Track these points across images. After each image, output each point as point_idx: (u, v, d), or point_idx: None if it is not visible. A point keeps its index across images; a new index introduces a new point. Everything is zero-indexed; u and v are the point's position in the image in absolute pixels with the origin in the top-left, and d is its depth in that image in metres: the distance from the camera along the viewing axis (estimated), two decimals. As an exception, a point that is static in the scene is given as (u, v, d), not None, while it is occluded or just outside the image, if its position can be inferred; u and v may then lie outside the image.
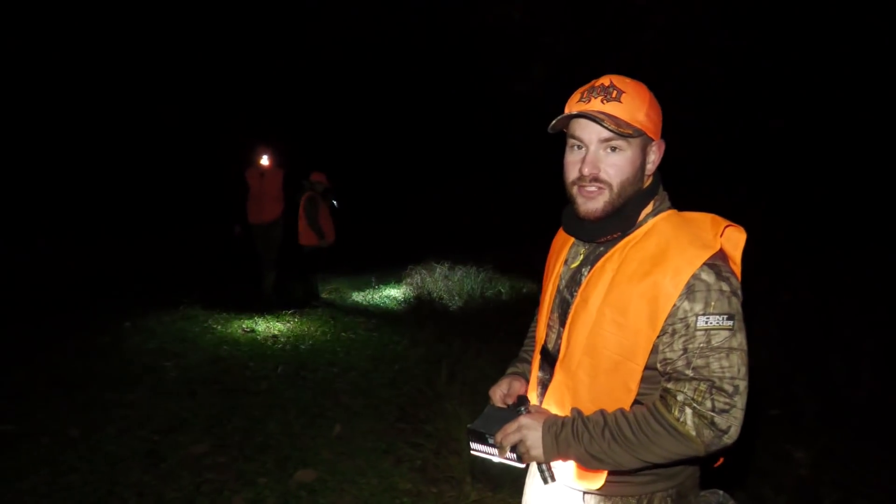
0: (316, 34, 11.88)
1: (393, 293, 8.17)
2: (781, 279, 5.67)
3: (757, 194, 6.86)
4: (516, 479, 3.05)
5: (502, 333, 5.47)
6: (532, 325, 1.70)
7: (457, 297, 7.48)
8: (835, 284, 5.56)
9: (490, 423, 1.34)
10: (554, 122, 1.28)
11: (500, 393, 1.49)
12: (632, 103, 1.23)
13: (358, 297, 8.02)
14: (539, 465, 1.27)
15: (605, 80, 1.27)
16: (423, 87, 13.02)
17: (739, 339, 1.15)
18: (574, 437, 1.20)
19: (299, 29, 12.32)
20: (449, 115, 13.23)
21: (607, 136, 1.23)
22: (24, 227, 9.66)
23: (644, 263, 1.21)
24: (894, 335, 4.62)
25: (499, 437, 1.27)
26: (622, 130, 1.20)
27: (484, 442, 1.32)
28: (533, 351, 1.56)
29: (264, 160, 6.84)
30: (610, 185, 1.25)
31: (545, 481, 1.27)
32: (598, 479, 1.27)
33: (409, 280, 8.27)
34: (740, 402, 1.13)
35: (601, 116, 1.20)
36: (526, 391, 1.49)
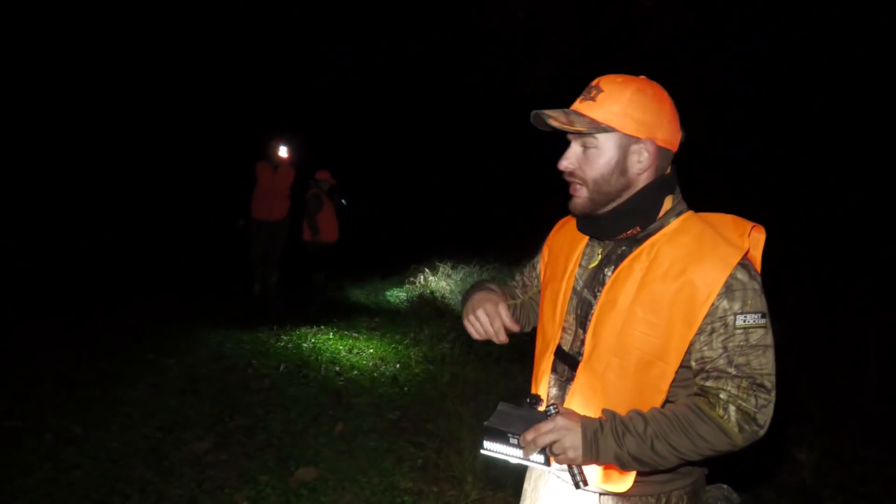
0: (324, 33, 11.89)
1: (396, 292, 8.18)
2: (786, 281, 5.65)
3: (762, 196, 6.84)
4: (518, 479, 3.05)
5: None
6: (517, 276, 1.75)
7: (459, 296, 7.48)
8: (840, 287, 5.54)
9: (510, 421, 1.27)
10: (531, 116, 1.30)
11: (498, 322, 1.40)
12: (606, 102, 1.24)
13: (361, 295, 8.02)
14: (571, 468, 1.23)
15: (595, 80, 1.29)
16: (428, 86, 13.01)
17: (771, 336, 1.19)
18: (615, 439, 1.18)
19: (308, 28, 12.33)
20: (454, 115, 13.23)
21: (574, 134, 1.28)
22: (26, 224, 9.69)
23: (677, 262, 1.20)
24: (899, 337, 4.60)
25: (530, 436, 1.20)
26: (569, 128, 1.24)
27: (504, 441, 1.24)
28: (521, 295, 1.60)
29: (283, 152, 6.70)
30: (586, 182, 1.28)
31: (577, 486, 1.23)
32: (627, 482, 1.26)
33: (411, 279, 8.27)
34: (775, 398, 1.18)
35: (551, 114, 1.25)
36: (532, 388, 1.45)
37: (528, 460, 1.22)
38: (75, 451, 3.30)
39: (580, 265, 1.40)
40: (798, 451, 3.32)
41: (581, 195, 1.30)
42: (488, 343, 4.46)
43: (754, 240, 1.27)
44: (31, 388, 4.08)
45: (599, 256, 1.36)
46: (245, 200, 6.81)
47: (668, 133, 1.27)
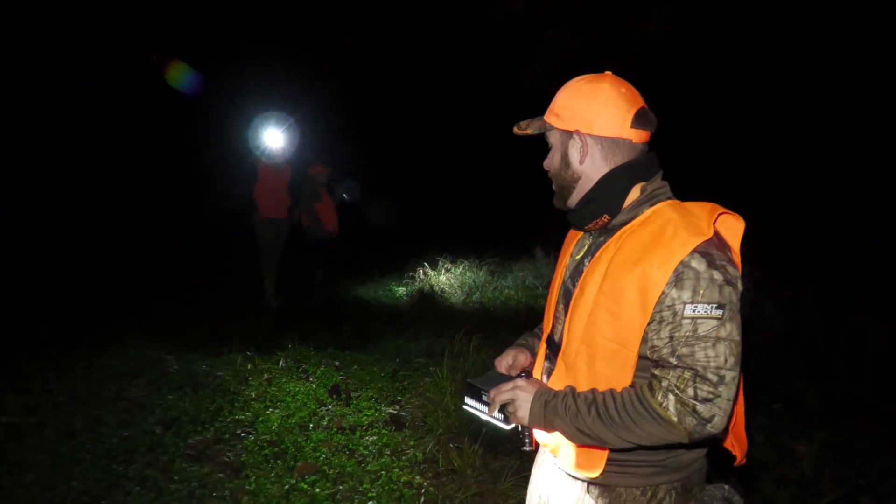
0: (321, 27, 11.85)
1: (395, 287, 8.18)
2: (785, 274, 5.65)
3: (760, 189, 6.83)
4: (517, 472, 3.06)
5: (504, 326, 5.47)
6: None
7: (459, 291, 7.48)
8: (839, 279, 5.54)
9: (489, 382, 1.40)
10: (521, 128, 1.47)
11: (504, 363, 1.53)
12: (553, 104, 1.37)
13: (360, 290, 8.02)
14: (521, 428, 1.36)
15: None
16: (426, 80, 12.98)
17: (729, 329, 1.14)
18: (563, 408, 1.24)
19: (305, 21, 12.28)
20: (452, 108, 13.20)
21: (525, 135, 1.42)
22: (26, 217, 9.67)
23: (635, 251, 1.21)
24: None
25: (492, 393, 1.32)
26: (519, 131, 1.42)
27: (478, 398, 1.38)
28: (542, 333, 1.58)
29: (274, 139, 6.50)
30: (552, 177, 1.42)
31: (523, 445, 1.39)
32: (597, 467, 1.29)
33: (411, 274, 8.27)
34: (725, 392, 1.12)
35: (519, 122, 1.43)
36: (530, 365, 1.54)
37: (492, 417, 1.35)
38: (74, 446, 3.30)
39: (571, 256, 1.46)
40: (797, 444, 3.33)
41: (554, 189, 1.43)
42: (487, 338, 4.43)
43: (732, 229, 1.27)
44: (30, 384, 4.08)
45: (585, 248, 1.41)
46: (245, 198, 6.59)
47: (606, 121, 1.29)
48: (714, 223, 1.22)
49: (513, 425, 1.35)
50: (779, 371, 4.28)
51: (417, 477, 3.19)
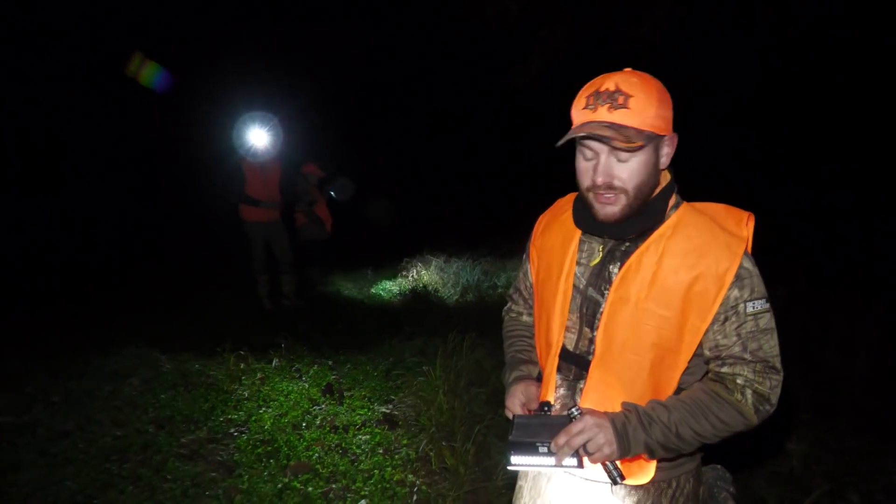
0: (314, 23, 11.81)
1: (389, 285, 8.17)
2: (777, 273, 5.68)
3: (753, 188, 6.87)
4: (510, 471, 3.07)
5: (497, 325, 5.47)
6: (509, 323, 1.69)
7: (452, 290, 7.49)
8: (831, 278, 5.59)
9: (533, 432, 1.26)
10: (562, 141, 1.25)
11: (518, 402, 1.40)
12: (641, 107, 1.20)
13: (353, 289, 8.01)
14: (605, 464, 1.24)
15: (609, 84, 1.23)
16: (421, 79, 12.97)
17: (774, 319, 1.26)
18: (642, 428, 1.21)
19: (297, 17, 12.24)
20: (446, 108, 13.19)
21: (629, 149, 1.22)
22: (16, 217, 9.60)
23: (689, 256, 1.23)
24: (889, 329, 4.65)
25: (562, 440, 1.20)
26: (632, 145, 1.19)
27: (532, 452, 1.23)
28: (531, 350, 1.54)
29: (258, 138, 6.17)
30: (626, 191, 1.25)
31: (615, 481, 1.24)
32: (649, 472, 1.29)
33: (404, 272, 8.27)
34: (782, 375, 1.25)
35: (608, 134, 1.18)
36: (541, 395, 1.43)
37: (561, 465, 1.21)
38: (68, 446, 3.29)
39: (579, 263, 1.37)
40: (788, 441, 3.36)
41: (619, 203, 1.26)
42: (481, 336, 4.43)
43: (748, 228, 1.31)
44: (22, 384, 4.06)
45: (601, 253, 1.34)
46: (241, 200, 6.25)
47: (671, 120, 1.29)
48: (745, 224, 1.29)
49: (588, 466, 1.26)
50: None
51: (410, 475, 3.20)
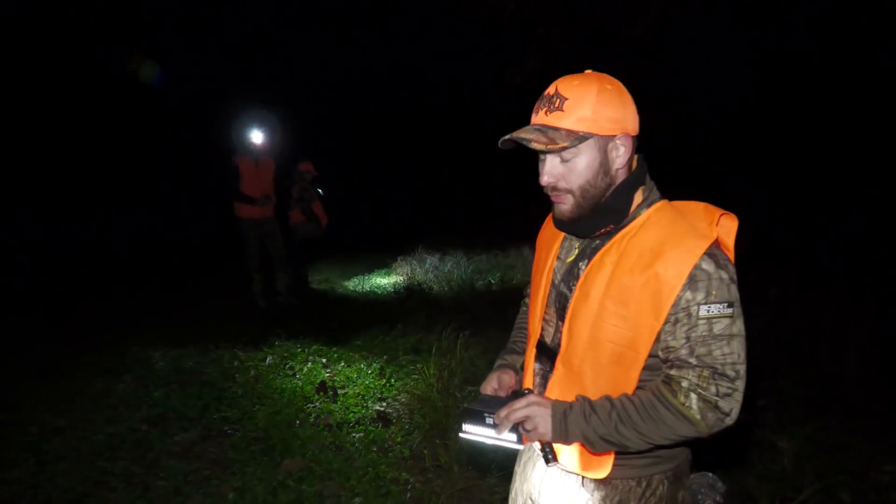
0: (309, 23, 11.79)
1: (382, 283, 8.17)
2: (770, 273, 5.72)
3: (747, 187, 6.91)
4: (504, 467, 3.08)
5: (491, 323, 5.49)
6: (519, 315, 1.71)
7: (446, 287, 7.49)
8: (822, 278, 5.62)
9: (488, 404, 1.34)
10: (501, 143, 1.30)
11: (490, 387, 1.49)
12: (573, 109, 1.23)
13: (348, 286, 8.00)
14: (542, 445, 1.29)
15: (552, 88, 1.27)
16: (416, 77, 12.96)
17: (739, 326, 1.19)
18: (583, 418, 1.23)
19: (293, 16, 12.21)
20: (441, 106, 13.18)
21: (550, 150, 1.25)
22: (8, 215, 9.54)
23: (644, 255, 1.22)
24: (879, 328, 4.68)
25: (503, 412, 1.26)
26: (555, 147, 1.21)
27: (480, 422, 1.30)
28: (525, 343, 1.57)
29: (256, 137, 6.15)
30: (571, 191, 1.28)
31: (547, 461, 1.30)
32: (605, 467, 1.30)
33: (398, 270, 8.27)
34: (741, 385, 1.18)
35: (529, 137, 1.23)
36: (516, 383, 1.50)
37: (502, 439, 1.28)
38: (60, 443, 3.28)
39: (558, 258, 1.43)
40: (779, 440, 3.38)
41: (567, 202, 1.30)
42: (475, 334, 4.43)
43: (726, 228, 1.29)
44: (14, 381, 4.04)
45: (577, 250, 1.39)
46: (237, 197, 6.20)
47: (634, 120, 1.28)
48: (716, 224, 1.26)
49: (526, 444, 1.31)
50: (762, 368, 4.34)
51: (404, 473, 3.20)
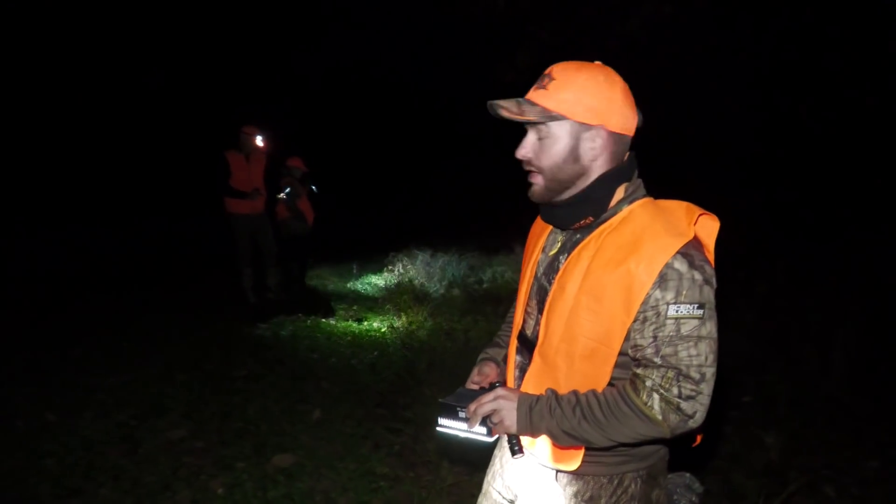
0: (303, 22, 11.73)
1: (374, 280, 8.16)
2: (757, 271, 5.77)
3: (736, 185, 6.96)
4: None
5: (483, 320, 5.51)
6: (511, 310, 1.72)
7: (438, 284, 7.49)
8: (808, 276, 5.68)
9: (462, 398, 1.36)
10: (487, 105, 1.31)
11: (471, 382, 1.51)
12: (557, 90, 1.24)
13: (339, 283, 7.99)
14: (509, 437, 1.30)
15: (549, 69, 1.30)
16: (407, 74, 12.93)
17: (709, 328, 1.17)
18: (548, 412, 1.23)
19: (286, 16, 12.16)
20: (433, 103, 13.17)
21: (528, 122, 1.27)
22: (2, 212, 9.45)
23: (619, 251, 1.22)
24: (864, 325, 4.74)
25: (472, 406, 1.28)
26: (522, 118, 1.24)
27: (454, 416, 1.33)
28: (509, 336, 1.57)
29: (259, 141, 6.15)
30: (541, 170, 1.30)
31: (513, 453, 1.31)
32: (575, 460, 1.30)
33: (390, 267, 8.26)
34: (706, 388, 1.16)
35: (502, 104, 1.27)
36: (497, 376, 1.52)
37: (473, 432, 1.30)
38: (48, 438, 3.26)
39: (543, 251, 1.43)
40: (765, 435, 3.42)
41: (538, 182, 1.32)
42: (466, 331, 4.44)
43: (707, 228, 1.28)
44: (2, 376, 4.01)
45: (559, 244, 1.39)
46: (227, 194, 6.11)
47: (622, 118, 1.26)
48: (694, 224, 1.24)
49: (495, 437, 1.33)
50: (749, 365, 4.38)
51: (395, 469, 3.21)
